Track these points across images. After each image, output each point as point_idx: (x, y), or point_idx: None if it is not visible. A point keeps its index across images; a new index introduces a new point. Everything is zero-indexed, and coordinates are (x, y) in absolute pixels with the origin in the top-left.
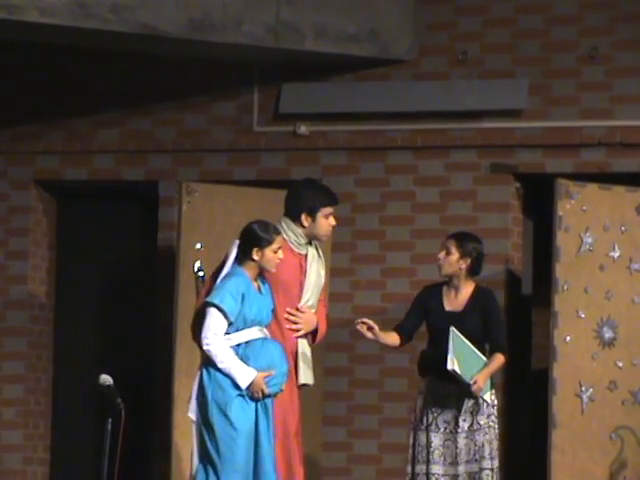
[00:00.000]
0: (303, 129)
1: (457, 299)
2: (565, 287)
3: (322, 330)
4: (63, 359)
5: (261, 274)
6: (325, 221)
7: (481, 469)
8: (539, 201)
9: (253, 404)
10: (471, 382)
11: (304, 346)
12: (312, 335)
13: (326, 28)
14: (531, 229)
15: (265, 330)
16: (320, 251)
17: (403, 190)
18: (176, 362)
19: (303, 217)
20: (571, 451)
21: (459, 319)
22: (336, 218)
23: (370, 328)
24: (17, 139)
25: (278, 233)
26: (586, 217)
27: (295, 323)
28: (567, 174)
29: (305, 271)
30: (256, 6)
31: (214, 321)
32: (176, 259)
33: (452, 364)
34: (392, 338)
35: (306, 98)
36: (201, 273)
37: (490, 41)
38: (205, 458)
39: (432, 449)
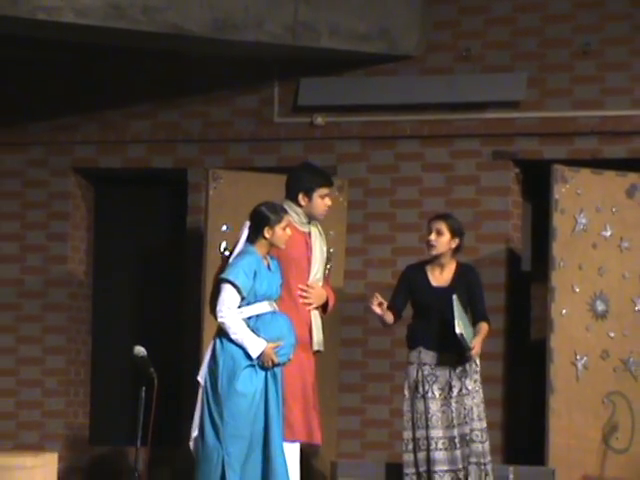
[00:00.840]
0: (319, 120)
1: (442, 276)
2: (561, 264)
3: (331, 302)
4: (100, 332)
5: (269, 252)
6: (321, 201)
7: (471, 430)
8: (537, 185)
9: (263, 373)
10: (471, 347)
11: (316, 317)
12: (323, 307)
13: (340, 27)
14: (530, 211)
15: (274, 304)
16: (320, 229)
17: (411, 176)
18: (204, 335)
19: (300, 197)
20: (567, 415)
21: (447, 293)
22: (350, 202)
23: (380, 303)
24: (56, 130)
25: (285, 212)
26: (580, 200)
27: (307, 298)
28: (562, 160)
29: (311, 247)
30: (275, 7)
31: (228, 296)
32: (204, 240)
33: (460, 328)
34: (389, 316)
35: (322, 91)
36: (227, 253)
37: (491, 38)
38: (209, 422)
39: (430, 415)
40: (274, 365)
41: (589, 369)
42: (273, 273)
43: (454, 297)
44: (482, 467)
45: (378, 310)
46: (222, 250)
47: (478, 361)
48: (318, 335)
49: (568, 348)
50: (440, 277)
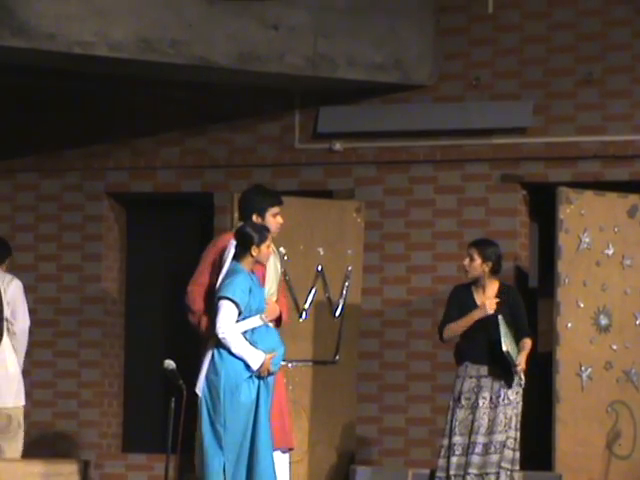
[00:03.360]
0: (338, 146)
1: (486, 296)
2: (566, 280)
3: (284, 316)
4: (133, 347)
5: (253, 269)
6: (273, 219)
7: (507, 438)
8: (543, 206)
9: (257, 382)
10: (517, 363)
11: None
12: (277, 320)
13: (357, 58)
14: (536, 231)
15: (263, 317)
16: (274, 247)
17: (425, 198)
18: None
19: (254, 217)
20: (573, 423)
21: (492, 317)
22: (367, 223)
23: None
24: (90, 157)
25: (268, 231)
26: (584, 220)
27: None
28: (567, 183)
29: (265, 265)
30: (296, 40)
31: (227, 312)
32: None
33: (506, 346)
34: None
35: (340, 119)
36: None
37: (499, 68)
38: (210, 432)
39: (474, 421)
40: (269, 374)
41: (593, 380)
42: (260, 288)
43: (500, 317)
44: (509, 474)
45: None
46: None
47: (523, 375)
48: None
49: (573, 360)
50: (484, 297)
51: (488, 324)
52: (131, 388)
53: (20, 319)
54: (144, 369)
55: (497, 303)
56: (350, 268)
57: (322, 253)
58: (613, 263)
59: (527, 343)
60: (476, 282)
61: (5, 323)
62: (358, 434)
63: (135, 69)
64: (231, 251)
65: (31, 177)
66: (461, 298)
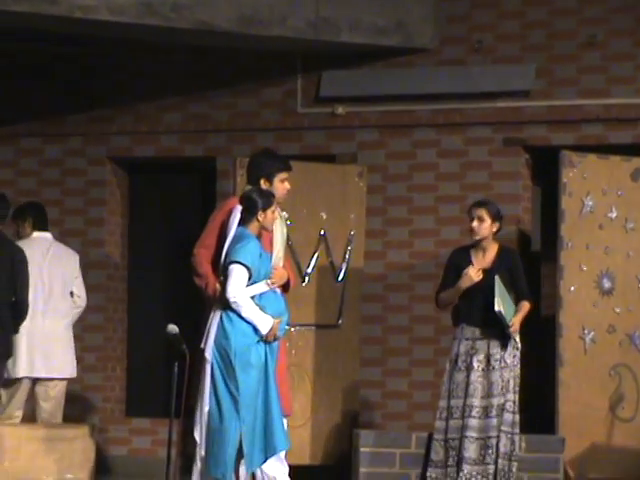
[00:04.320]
0: (340, 110)
1: (485, 258)
2: (569, 244)
3: (292, 281)
4: (136, 311)
5: (259, 234)
6: (281, 185)
7: (506, 401)
8: (546, 170)
9: (263, 346)
10: (510, 324)
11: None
12: (284, 286)
13: (359, 22)
14: (539, 194)
15: (269, 282)
16: (281, 212)
17: (427, 162)
18: None
19: (262, 182)
20: (576, 386)
21: (488, 274)
22: (370, 187)
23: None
24: (93, 122)
25: (273, 196)
26: (587, 183)
27: (270, 278)
28: (570, 146)
29: (272, 230)
30: (298, 4)
31: (239, 276)
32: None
33: (499, 306)
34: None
35: (343, 83)
36: None
37: (502, 31)
38: (226, 395)
39: (469, 384)
40: (274, 339)
41: (596, 343)
42: (267, 254)
43: (496, 278)
44: (509, 436)
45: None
46: None
47: (518, 338)
48: None
49: (576, 323)
50: (483, 260)
51: (485, 286)
52: (134, 352)
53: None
54: (147, 333)
55: (493, 265)
56: (353, 232)
57: (325, 217)
58: (616, 226)
59: (525, 306)
60: (476, 245)
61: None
62: (361, 398)
63: (137, 33)
64: (237, 216)
65: (34, 142)
66: (458, 263)
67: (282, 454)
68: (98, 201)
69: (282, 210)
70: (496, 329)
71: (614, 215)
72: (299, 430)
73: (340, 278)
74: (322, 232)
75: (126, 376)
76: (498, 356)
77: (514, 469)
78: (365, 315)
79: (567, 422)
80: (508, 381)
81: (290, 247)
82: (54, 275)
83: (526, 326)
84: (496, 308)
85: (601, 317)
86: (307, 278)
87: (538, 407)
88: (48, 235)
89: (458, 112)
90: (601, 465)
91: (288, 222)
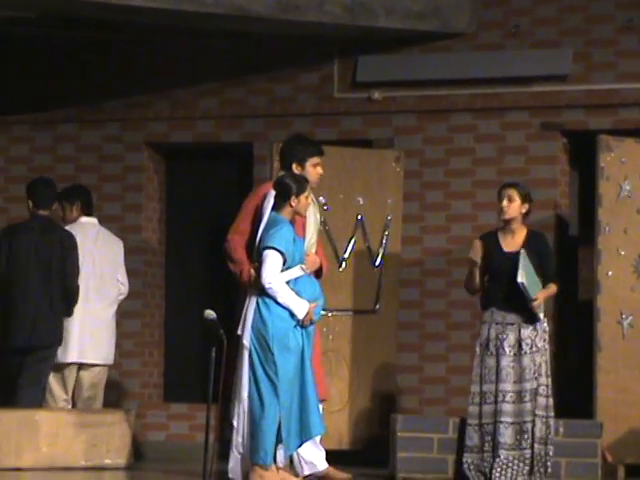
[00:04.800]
0: (377, 95)
1: (514, 241)
2: (607, 228)
3: (325, 267)
4: (173, 297)
5: (293, 220)
6: (313, 169)
7: (539, 385)
8: (583, 154)
9: (300, 331)
10: (534, 297)
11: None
12: (317, 272)
13: (395, 7)
14: (577, 179)
15: (304, 267)
16: (314, 197)
17: (464, 147)
18: None
19: (294, 167)
20: (614, 371)
21: (517, 258)
22: (407, 172)
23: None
24: (130, 108)
25: (307, 181)
26: (624, 168)
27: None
28: (607, 130)
29: (305, 215)
30: None
31: (274, 261)
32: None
33: (521, 277)
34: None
35: (379, 68)
36: None
37: (539, 15)
38: (265, 380)
39: (500, 369)
40: (311, 323)
41: (634, 327)
42: (301, 239)
43: (522, 251)
44: (544, 420)
45: (477, 258)
46: None
47: (546, 322)
48: None
49: (614, 308)
50: (512, 242)
51: (514, 270)
52: (172, 338)
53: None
54: (185, 319)
55: (522, 248)
56: (390, 217)
57: (362, 202)
58: None
59: (552, 287)
60: (504, 228)
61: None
62: (399, 383)
63: (173, 19)
64: (270, 201)
65: (71, 128)
66: (487, 247)
67: (318, 439)
68: (135, 187)
69: (319, 196)
70: (526, 313)
71: None
72: (336, 415)
73: (377, 263)
74: (359, 217)
75: (164, 362)
76: (529, 340)
77: (550, 453)
78: (402, 300)
79: (605, 407)
80: (540, 365)
81: (327, 232)
82: (105, 261)
83: (564, 311)
84: (519, 279)
85: (639, 301)
86: (344, 263)
87: (576, 392)
88: (95, 220)
89: (495, 97)
90: (639, 450)
91: (325, 207)
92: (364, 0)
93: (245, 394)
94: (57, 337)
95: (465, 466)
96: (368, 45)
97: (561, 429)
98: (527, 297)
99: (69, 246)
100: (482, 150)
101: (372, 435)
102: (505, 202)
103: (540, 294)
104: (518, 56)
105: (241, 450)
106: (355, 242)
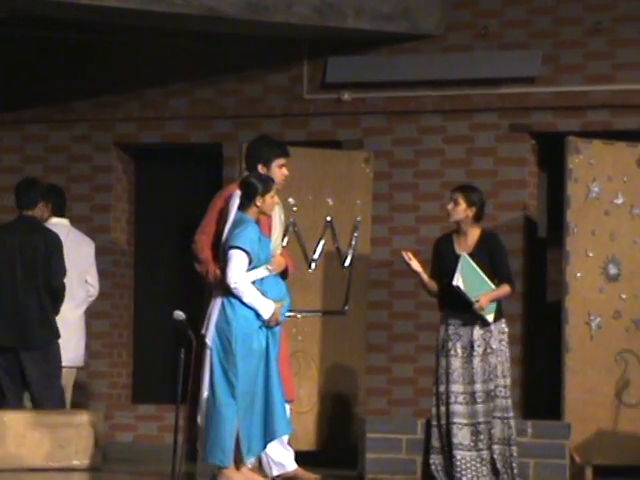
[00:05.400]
0: (346, 96)
1: (467, 243)
2: (575, 230)
3: (291, 268)
4: (142, 298)
5: (258, 219)
6: (279, 170)
7: (496, 386)
8: (552, 156)
9: (265, 331)
10: (474, 300)
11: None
12: (282, 273)
13: (365, 8)
14: (545, 180)
15: (270, 268)
16: (278, 199)
17: (434, 148)
18: None
19: (260, 168)
20: (582, 372)
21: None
22: (376, 173)
23: (410, 258)
24: (99, 108)
25: (272, 181)
26: (593, 169)
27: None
28: (576, 132)
29: (271, 216)
30: None
31: (239, 261)
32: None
33: (457, 280)
34: (433, 284)
35: (349, 69)
36: None
37: (508, 17)
38: (223, 381)
39: (451, 371)
40: (276, 324)
41: (602, 329)
42: (267, 239)
43: (462, 255)
44: (505, 421)
45: (414, 265)
46: None
47: (504, 324)
48: None
49: (582, 309)
50: (465, 244)
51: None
52: (141, 339)
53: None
54: (153, 320)
55: (474, 250)
56: (359, 218)
57: (331, 203)
58: (622, 212)
59: (504, 288)
60: (458, 230)
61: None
62: (367, 384)
63: (144, 20)
64: (236, 201)
65: (40, 128)
66: (441, 249)
67: (286, 439)
68: (104, 187)
69: (288, 196)
70: (479, 315)
71: (620, 201)
72: (305, 416)
73: (346, 264)
74: (328, 218)
75: (132, 362)
76: (481, 342)
77: (515, 453)
78: (371, 301)
79: (573, 408)
80: (495, 366)
81: (296, 233)
82: (72, 262)
83: (532, 312)
84: (454, 283)
85: (607, 303)
86: (313, 264)
87: (544, 393)
88: (65, 221)
89: (464, 98)
90: (607, 451)
91: (294, 208)
92: (333, 1)
93: (206, 394)
94: (53, 334)
95: (433, 467)
96: (337, 46)
97: (529, 430)
98: (468, 300)
99: (54, 246)
100: (451, 151)
101: (341, 436)
102: (450, 205)
103: (483, 297)
104: (487, 58)
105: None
106: (324, 243)
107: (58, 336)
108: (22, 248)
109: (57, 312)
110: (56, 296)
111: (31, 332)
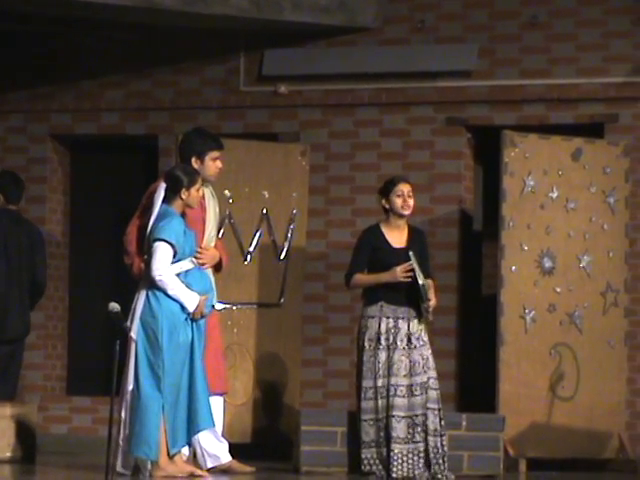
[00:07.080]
0: (283, 89)
1: (400, 237)
2: (510, 224)
3: (224, 261)
4: (77, 290)
5: (183, 212)
6: (212, 163)
7: (429, 378)
8: (487, 150)
9: (191, 324)
10: (430, 298)
11: (210, 276)
12: (216, 266)
13: (302, 0)
14: (481, 174)
15: (195, 260)
16: (213, 191)
17: (370, 141)
18: None
19: (193, 160)
20: (516, 365)
21: (406, 254)
22: (312, 166)
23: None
24: (34, 99)
25: (198, 174)
26: (528, 163)
27: (201, 259)
28: (511, 126)
29: (205, 208)
30: None
31: (163, 254)
32: None
33: (422, 280)
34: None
35: (285, 62)
36: None
37: (444, 11)
38: (148, 374)
39: (392, 364)
40: (201, 317)
41: (537, 322)
42: (191, 232)
43: (411, 253)
44: (436, 412)
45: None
46: None
47: (431, 317)
48: (213, 293)
49: (517, 302)
50: (399, 238)
51: (402, 264)
52: (76, 331)
53: None
54: (88, 312)
55: (408, 244)
56: (295, 211)
57: (267, 196)
58: (557, 206)
59: (433, 283)
60: (390, 222)
61: None
62: (302, 376)
63: (79, 10)
64: (161, 194)
65: None
66: (373, 242)
67: (219, 431)
68: (39, 179)
69: (224, 189)
70: (415, 308)
71: (555, 195)
72: (240, 408)
73: (282, 257)
74: (264, 211)
75: (67, 354)
76: (418, 334)
77: (446, 445)
78: (307, 294)
79: (507, 401)
80: (427, 358)
81: (232, 225)
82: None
83: (467, 305)
84: (420, 282)
85: (542, 296)
86: (249, 257)
87: (479, 386)
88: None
89: (400, 91)
90: (541, 444)
91: (230, 200)
92: None
93: (130, 387)
94: (25, 331)
95: (365, 462)
96: (274, 39)
97: (464, 423)
98: (423, 297)
99: (37, 241)
100: (387, 145)
101: (276, 428)
102: (410, 200)
103: (432, 294)
104: (423, 51)
105: (123, 444)
106: (260, 235)
107: (28, 333)
108: (7, 242)
109: (32, 308)
110: (38, 291)
111: (9, 326)
